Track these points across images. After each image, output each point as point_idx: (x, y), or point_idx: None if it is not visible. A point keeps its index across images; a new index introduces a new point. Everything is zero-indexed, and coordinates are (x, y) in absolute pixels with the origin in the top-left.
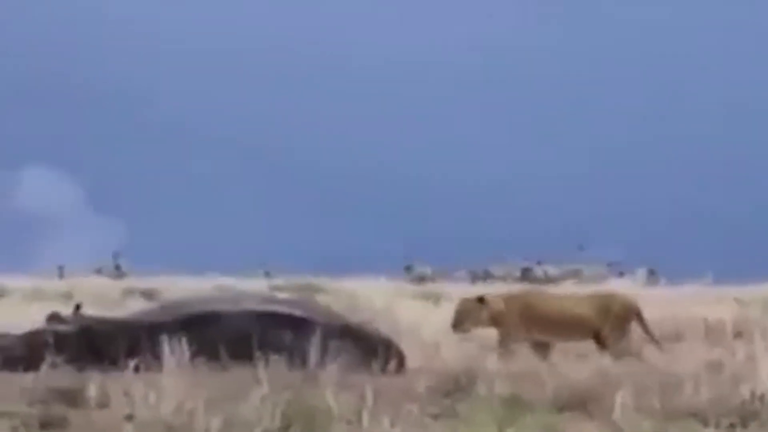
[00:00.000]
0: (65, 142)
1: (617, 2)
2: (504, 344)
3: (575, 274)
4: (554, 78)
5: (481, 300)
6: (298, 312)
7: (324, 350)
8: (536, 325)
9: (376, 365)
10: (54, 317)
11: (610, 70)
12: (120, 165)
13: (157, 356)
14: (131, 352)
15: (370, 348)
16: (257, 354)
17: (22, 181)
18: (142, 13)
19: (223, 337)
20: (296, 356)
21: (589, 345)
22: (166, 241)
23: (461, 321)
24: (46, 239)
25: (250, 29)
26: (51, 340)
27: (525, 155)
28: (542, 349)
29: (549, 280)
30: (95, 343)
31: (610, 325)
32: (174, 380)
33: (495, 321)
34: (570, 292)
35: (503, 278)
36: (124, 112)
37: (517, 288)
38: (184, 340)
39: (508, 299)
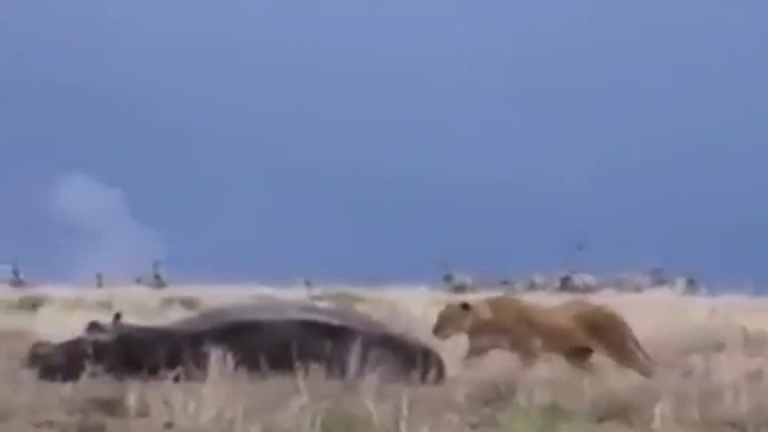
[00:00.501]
0: (106, 151)
1: (627, 2)
2: (478, 352)
3: (616, 283)
4: (578, 82)
5: (465, 306)
6: (337, 321)
7: (363, 359)
8: (526, 334)
9: (415, 374)
10: (94, 326)
11: (630, 70)
12: (161, 174)
13: (197, 365)
14: (171, 361)
15: (410, 357)
16: (297, 363)
17: (63, 190)
18: (170, 20)
19: (263, 346)
20: (336, 365)
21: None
22: (206, 250)
23: (443, 326)
24: (87, 248)
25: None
26: (90, 349)
27: (559, 163)
28: (528, 358)
29: (588, 288)
30: (135, 352)
31: (605, 340)
32: (213, 389)
33: (480, 328)
34: (554, 304)
35: (543, 287)
36: (165, 122)
37: (568, 297)
38: (224, 349)
39: (495, 306)
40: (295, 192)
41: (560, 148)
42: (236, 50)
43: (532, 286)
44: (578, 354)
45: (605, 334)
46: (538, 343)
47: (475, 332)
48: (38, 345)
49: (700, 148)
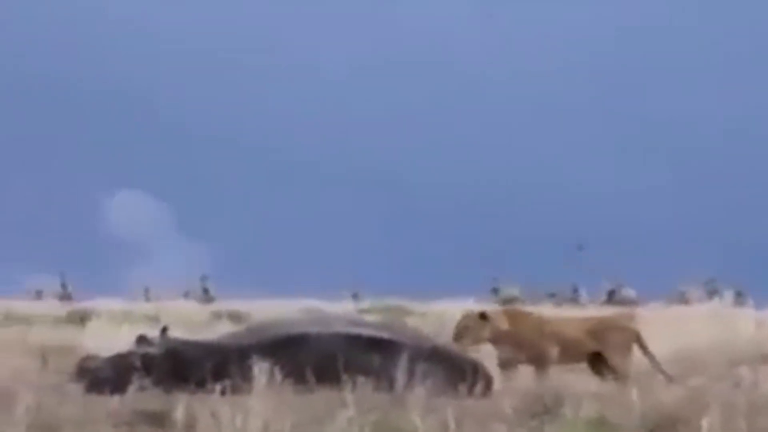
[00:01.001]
0: (153, 165)
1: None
2: (505, 364)
3: (666, 295)
4: (637, 94)
5: (483, 316)
6: (385, 334)
7: (411, 372)
8: (540, 345)
9: (463, 388)
10: (141, 339)
11: (683, 76)
12: (208, 187)
13: (243, 378)
14: (217, 375)
15: (458, 370)
16: (344, 376)
17: (110, 203)
18: (232, 41)
19: (310, 359)
20: (383, 379)
21: (675, 367)
22: (254, 264)
23: (461, 335)
24: (134, 262)
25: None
26: (138, 362)
27: (606, 169)
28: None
29: (633, 301)
30: (182, 366)
31: (610, 350)
32: (261, 402)
33: (499, 338)
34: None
35: (591, 300)
36: (213, 138)
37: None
38: (270, 362)
39: (511, 317)
40: (343, 205)
41: (612, 160)
42: (277, 64)
43: (575, 299)
44: (597, 362)
45: (609, 341)
46: (553, 353)
47: (494, 343)
48: (86, 359)
49: (750, 160)
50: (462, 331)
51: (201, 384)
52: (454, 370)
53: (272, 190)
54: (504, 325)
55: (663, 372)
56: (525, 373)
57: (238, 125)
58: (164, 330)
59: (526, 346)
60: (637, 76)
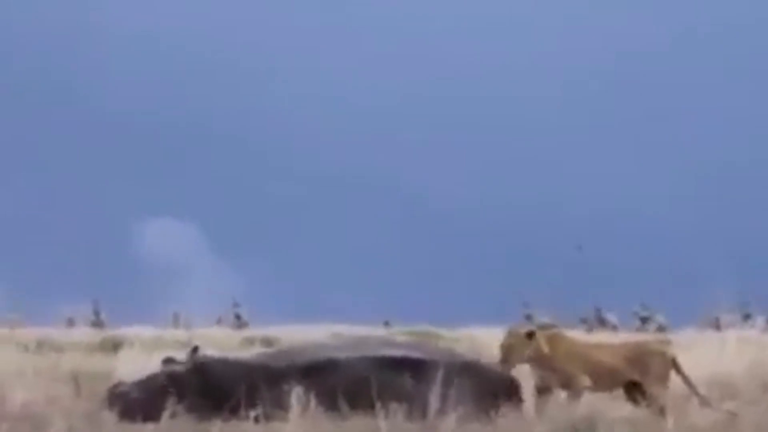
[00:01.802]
0: (185, 191)
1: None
2: (543, 390)
3: (698, 320)
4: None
5: (530, 335)
6: (416, 354)
7: (445, 389)
8: (574, 373)
9: (496, 401)
10: (169, 361)
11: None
12: (240, 213)
13: (276, 403)
14: (248, 395)
15: (491, 383)
16: (377, 402)
17: (141, 229)
18: (259, 60)
19: (340, 384)
20: (417, 399)
21: (709, 392)
22: (287, 290)
23: (508, 355)
24: (168, 289)
25: None
26: (166, 381)
27: (636, 192)
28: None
29: (664, 327)
30: (210, 383)
31: (648, 378)
32: (293, 429)
33: (539, 361)
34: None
35: (621, 325)
36: (243, 160)
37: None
38: (302, 384)
39: (551, 340)
40: (372, 230)
41: (640, 183)
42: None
43: (602, 324)
44: (632, 389)
45: (646, 367)
46: (586, 381)
47: (533, 364)
48: (117, 385)
49: None
50: (507, 350)
51: (234, 410)
52: (488, 384)
53: (304, 213)
54: (545, 348)
55: (701, 396)
56: (559, 397)
57: (268, 147)
58: (195, 349)
59: (560, 371)
60: (660, 96)
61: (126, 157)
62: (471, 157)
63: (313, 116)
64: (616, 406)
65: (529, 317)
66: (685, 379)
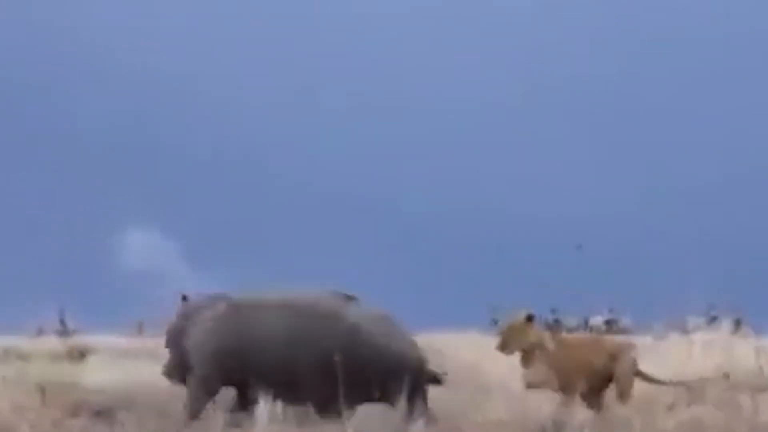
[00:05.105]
0: (158, 201)
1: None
2: (535, 385)
3: (666, 324)
4: (620, 108)
5: (530, 318)
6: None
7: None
8: (573, 377)
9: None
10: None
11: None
12: (213, 223)
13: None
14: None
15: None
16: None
17: (113, 240)
18: (200, 69)
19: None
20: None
21: (675, 396)
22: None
23: (507, 341)
24: (137, 298)
25: None
26: None
27: (603, 196)
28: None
29: (629, 330)
30: None
31: (624, 374)
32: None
33: (539, 352)
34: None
35: (589, 328)
36: (220, 170)
37: None
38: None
39: (557, 341)
40: (340, 239)
41: (608, 188)
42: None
43: (558, 326)
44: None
45: (623, 364)
46: (583, 388)
47: (532, 356)
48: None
49: (749, 186)
50: (507, 335)
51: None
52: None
53: (280, 224)
54: (550, 345)
55: (668, 384)
56: (532, 399)
57: (246, 158)
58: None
59: (560, 372)
60: (625, 100)
61: (100, 167)
62: (439, 161)
63: (287, 125)
64: (583, 409)
65: (496, 322)
66: (651, 380)
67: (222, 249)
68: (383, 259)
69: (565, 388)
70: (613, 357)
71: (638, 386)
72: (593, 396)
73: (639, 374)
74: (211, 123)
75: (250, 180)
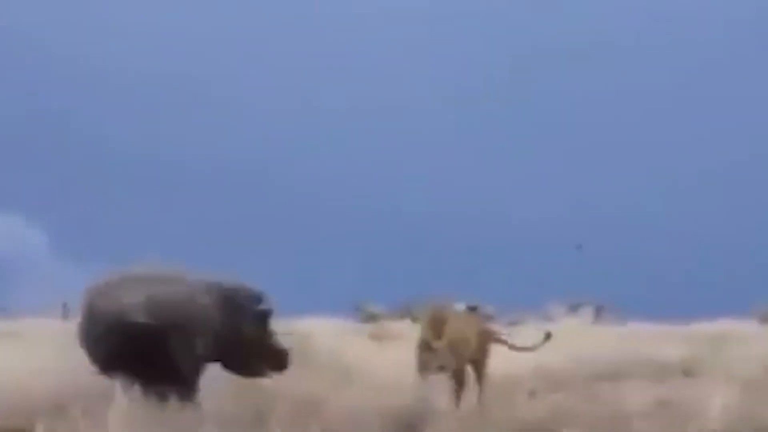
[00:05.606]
0: (26, 187)
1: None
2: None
3: (529, 312)
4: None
5: (473, 309)
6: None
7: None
8: (462, 362)
9: None
10: None
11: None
12: (81, 210)
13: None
14: None
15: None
16: None
17: None
18: (88, 46)
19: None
20: None
21: (536, 383)
22: None
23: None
24: (9, 285)
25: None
26: None
27: (481, 184)
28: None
29: (491, 317)
30: None
31: (485, 358)
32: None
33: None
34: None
35: None
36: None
37: None
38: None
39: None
40: (209, 222)
41: (508, 177)
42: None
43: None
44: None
45: (487, 349)
46: (469, 374)
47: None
48: None
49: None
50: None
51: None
52: None
53: (140, 206)
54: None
55: (523, 349)
56: (394, 388)
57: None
58: None
59: (460, 361)
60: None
61: None
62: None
63: (169, 108)
64: (444, 399)
65: (359, 308)
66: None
67: (87, 240)
68: (247, 248)
69: (457, 376)
70: (482, 337)
71: (500, 375)
72: (461, 372)
73: (497, 340)
74: (125, 119)
75: (123, 167)
